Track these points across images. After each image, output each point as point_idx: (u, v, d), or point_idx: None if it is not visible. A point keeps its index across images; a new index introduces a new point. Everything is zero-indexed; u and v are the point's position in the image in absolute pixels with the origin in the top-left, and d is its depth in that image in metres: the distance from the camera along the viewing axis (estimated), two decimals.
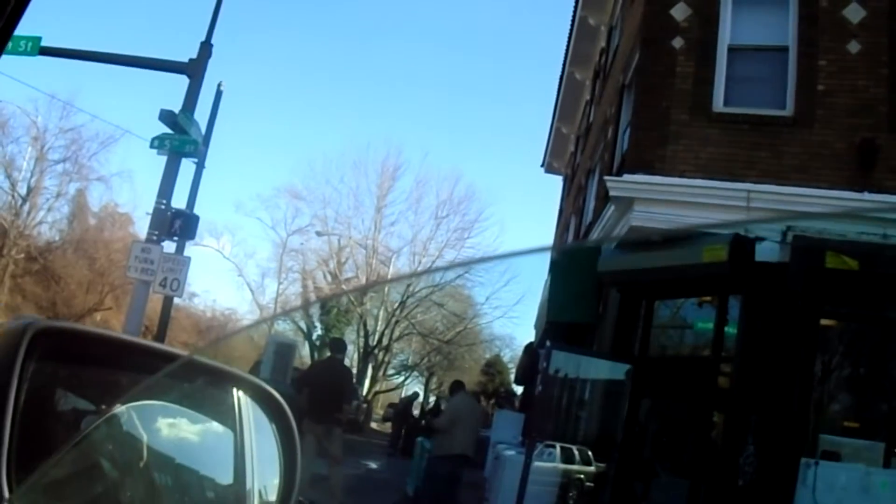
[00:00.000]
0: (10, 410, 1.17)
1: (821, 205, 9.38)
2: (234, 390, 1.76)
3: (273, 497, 1.74)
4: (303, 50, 72.12)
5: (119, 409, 1.41)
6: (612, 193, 11.00)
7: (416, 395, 31.84)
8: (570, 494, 12.09)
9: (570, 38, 23.72)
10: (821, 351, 9.75)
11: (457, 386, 13.31)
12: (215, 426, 1.74)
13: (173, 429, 1.59)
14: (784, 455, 8.84)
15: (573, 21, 22.84)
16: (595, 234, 13.77)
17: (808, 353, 9.47)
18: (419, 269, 44.13)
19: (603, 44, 20.16)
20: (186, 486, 1.64)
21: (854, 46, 10.21)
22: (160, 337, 16.27)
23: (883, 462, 8.82)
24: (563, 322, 14.17)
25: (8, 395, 1.18)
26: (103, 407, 1.40)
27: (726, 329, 10.40)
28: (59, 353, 1.33)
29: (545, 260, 17.32)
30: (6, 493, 1.16)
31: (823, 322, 9.71)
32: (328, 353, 13.22)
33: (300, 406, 11.67)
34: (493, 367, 50.52)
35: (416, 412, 28.61)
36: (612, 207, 11.55)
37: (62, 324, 1.60)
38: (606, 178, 11.87)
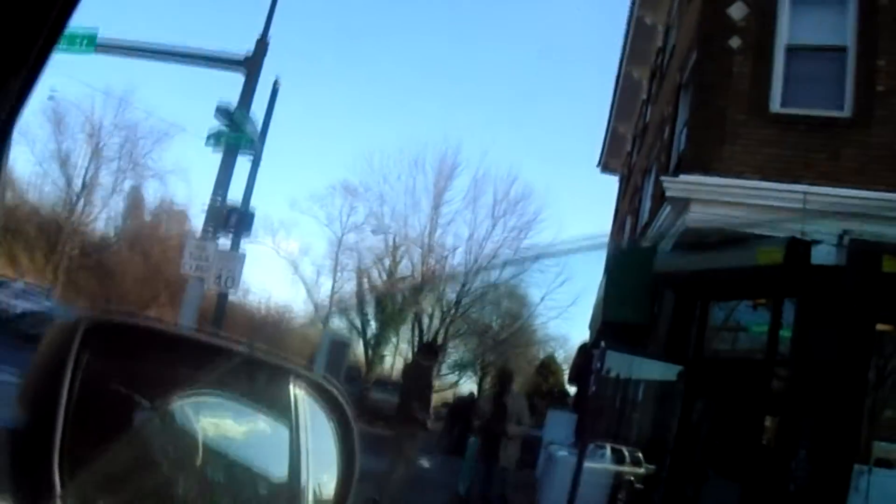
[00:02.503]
0: (62, 404, 1.19)
1: (879, 207, 9.22)
2: (291, 385, 1.75)
3: (328, 494, 1.73)
4: (359, 46, 72.37)
5: (173, 403, 1.44)
6: (668, 194, 10.92)
7: (472, 395, 31.67)
8: (620, 496, 11.99)
9: (626, 36, 23.57)
10: (876, 356, 9.58)
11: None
12: (270, 422, 1.73)
13: (228, 424, 1.60)
14: (837, 461, 8.72)
15: (630, 20, 22.70)
16: (651, 235, 13.67)
17: (863, 359, 9.32)
18: (475, 267, 44.01)
19: (660, 43, 19.99)
20: (240, 482, 1.64)
21: None
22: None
23: None
24: (617, 322, 14.09)
25: (61, 389, 1.19)
26: (158, 401, 1.41)
27: (781, 332, 10.29)
28: (113, 346, 1.34)
29: (600, 260, 17.31)
30: (58, 487, 1.17)
31: (879, 327, 9.53)
32: (415, 357, 13.23)
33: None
34: (547, 368, 50.31)
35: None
36: (669, 208, 11.47)
37: (116, 317, 1.61)
38: (663, 178, 11.80)
